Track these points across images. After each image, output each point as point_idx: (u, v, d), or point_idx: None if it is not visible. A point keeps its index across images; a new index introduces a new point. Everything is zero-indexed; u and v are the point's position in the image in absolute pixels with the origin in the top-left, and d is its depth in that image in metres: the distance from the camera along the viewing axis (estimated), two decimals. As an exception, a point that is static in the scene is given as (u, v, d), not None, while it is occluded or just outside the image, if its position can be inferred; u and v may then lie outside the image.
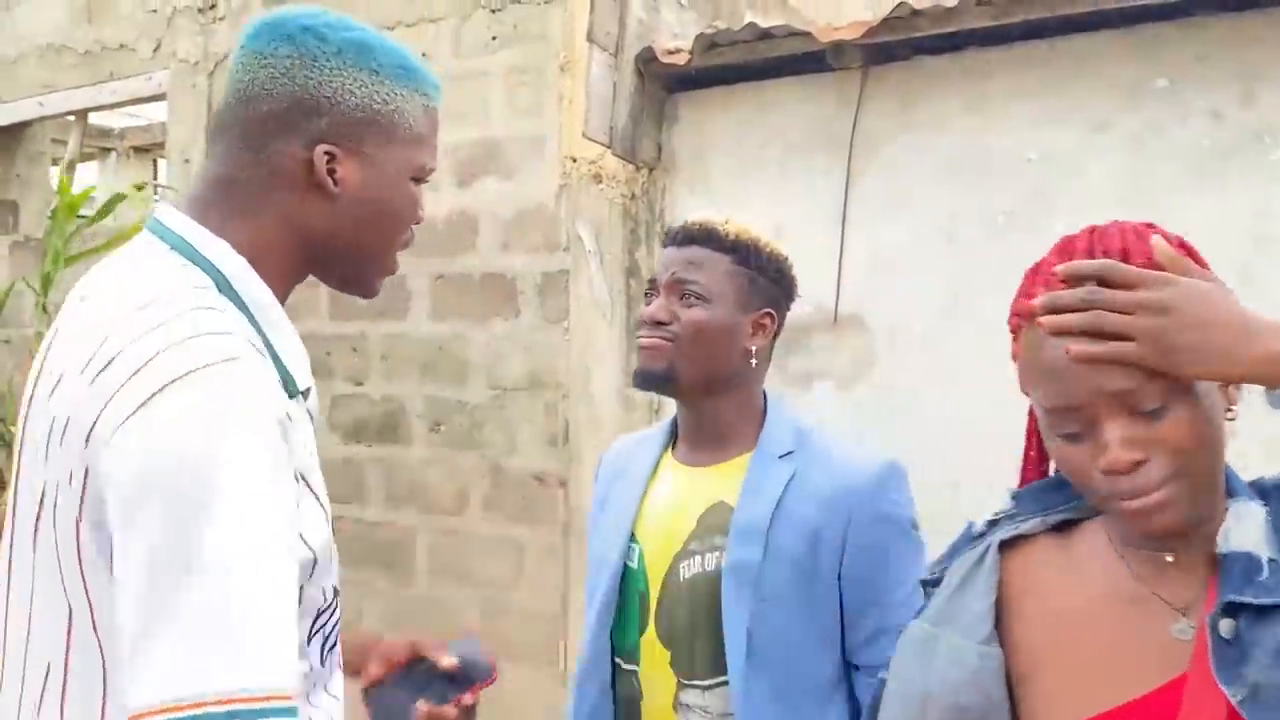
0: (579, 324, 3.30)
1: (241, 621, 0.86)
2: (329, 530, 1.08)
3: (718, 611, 1.45)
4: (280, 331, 1.06)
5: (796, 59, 2.97)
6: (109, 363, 0.94)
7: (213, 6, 4.16)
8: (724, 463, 1.54)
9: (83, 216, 4.42)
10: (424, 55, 3.64)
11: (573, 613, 3.32)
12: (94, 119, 6.61)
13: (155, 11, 4.32)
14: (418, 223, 1.16)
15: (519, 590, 3.44)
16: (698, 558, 1.50)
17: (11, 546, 1.01)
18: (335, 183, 1.06)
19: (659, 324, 1.51)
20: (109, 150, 9.02)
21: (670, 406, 1.66)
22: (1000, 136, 2.75)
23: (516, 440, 3.45)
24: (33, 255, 4.64)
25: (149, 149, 9.34)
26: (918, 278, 2.85)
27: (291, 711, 0.86)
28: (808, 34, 2.86)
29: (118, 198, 4.32)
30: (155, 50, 4.32)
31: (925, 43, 2.79)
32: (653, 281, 1.56)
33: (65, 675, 0.95)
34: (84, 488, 0.93)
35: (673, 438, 1.63)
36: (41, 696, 0.96)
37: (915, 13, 2.72)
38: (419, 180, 1.13)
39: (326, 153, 1.06)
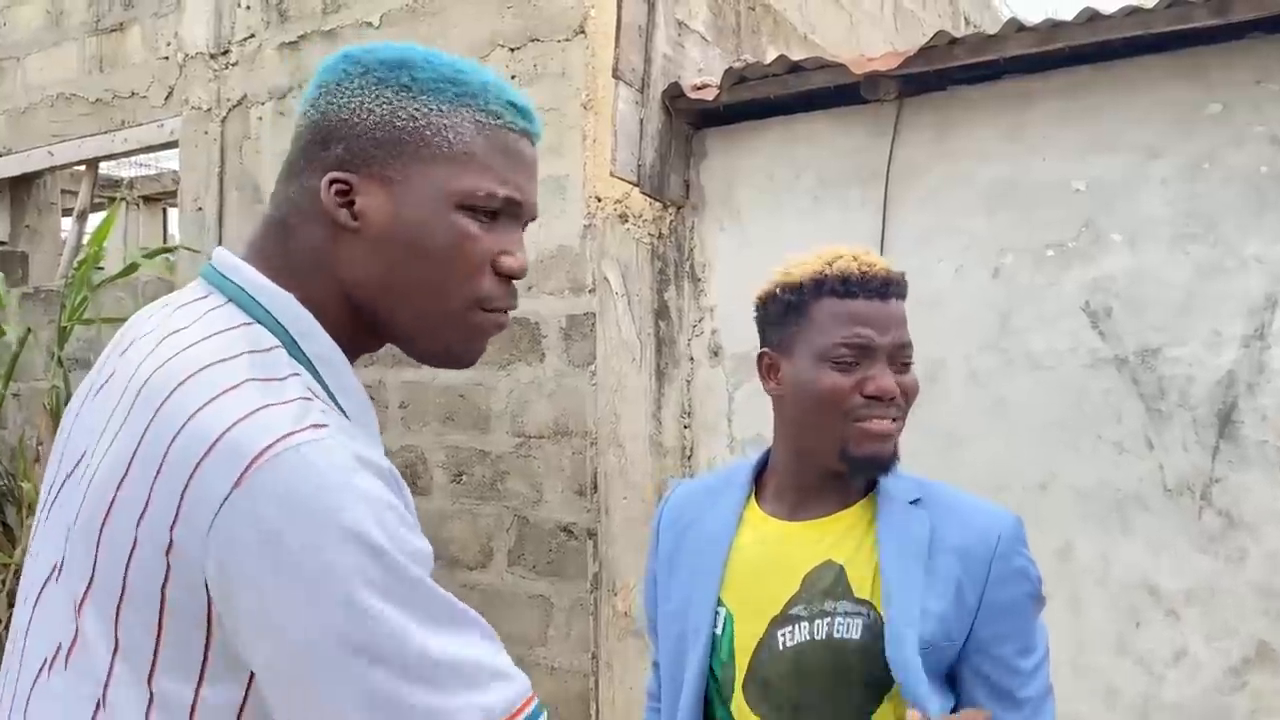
0: (607, 368, 3.18)
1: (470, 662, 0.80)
2: None
3: (834, 686, 1.30)
4: (351, 397, 0.91)
5: (828, 92, 2.88)
6: (175, 434, 0.81)
7: (225, 52, 4.10)
8: (828, 517, 1.37)
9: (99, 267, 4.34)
10: (441, 96, 3.56)
11: (604, 670, 3.17)
12: (103, 169, 6.57)
13: (167, 59, 4.26)
14: (504, 272, 0.94)
15: (547, 647, 3.30)
16: (804, 624, 1.33)
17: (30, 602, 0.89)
18: (354, 215, 0.90)
19: (893, 400, 1.31)
20: (119, 200, 8.99)
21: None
22: (1045, 166, 2.65)
23: (543, 490, 3.32)
24: (42, 306, 4.55)
25: (159, 198, 9.32)
26: (961, 314, 2.73)
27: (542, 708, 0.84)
28: (841, 66, 2.77)
29: (136, 263, 4.21)
30: (167, 97, 4.25)
31: (961, 73, 2.70)
32: (860, 347, 1.31)
33: None
34: (168, 567, 0.80)
35: (754, 486, 1.45)
36: None
37: (953, 42, 2.62)
38: (474, 209, 0.92)
39: (335, 180, 0.90)
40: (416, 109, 0.91)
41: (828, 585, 1.34)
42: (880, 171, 2.84)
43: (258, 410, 0.79)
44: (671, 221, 3.12)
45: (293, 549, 0.76)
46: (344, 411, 0.88)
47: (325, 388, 0.88)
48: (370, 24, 3.75)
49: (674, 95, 2.97)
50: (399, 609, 0.77)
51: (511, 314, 1.04)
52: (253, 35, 4.02)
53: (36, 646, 0.86)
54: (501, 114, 0.94)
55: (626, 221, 3.17)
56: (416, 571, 0.79)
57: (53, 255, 5.02)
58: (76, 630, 0.83)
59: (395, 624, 0.77)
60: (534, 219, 0.99)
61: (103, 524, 0.82)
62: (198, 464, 0.78)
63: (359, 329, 0.93)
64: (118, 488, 0.82)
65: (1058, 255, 2.63)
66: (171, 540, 0.78)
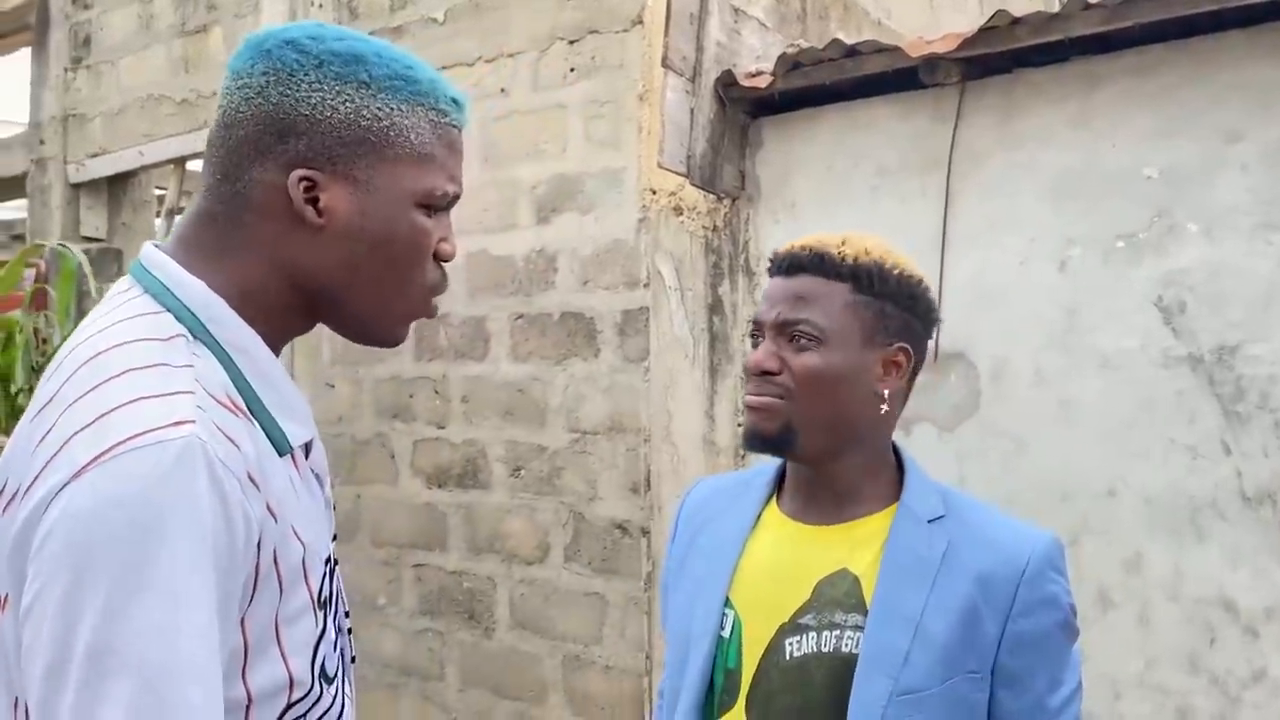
0: (660, 364, 3.13)
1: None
2: (314, 615, 0.93)
3: (836, 701, 1.22)
4: (268, 382, 0.92)
5: (887, 77, 2.76)
6: (45, 435, 0.83)
7: (300, 51, 4.17)
8: (848, 523, 1.30)
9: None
10: (502, 91, 3.55)
11: (657, 670, 3.12)
12: (195, 166, 6.80)
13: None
14: (444, 258, 1.00)
15: (602, 645, 3.27)
16: (812, 635, 1.26)
17: None
18: (319, 212, 0.92)
19: (766, 374, 1.27)
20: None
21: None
22: (1114, 151, 2.49)
23: (598, 487, 3.29)
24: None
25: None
26: (1026, 308, 2.59)
27: None
28: (898, 49, 2.65)
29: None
30: (247, 97, 4.35)
31: (1027, 54, 2.55)
32: (757, 323, 1.31)
33: None
34: (5, 578, 0.83)
35: (777, 486, 1.40)
36: None
37: (1015, 21, 2.48)
38: (429, 206, 0.97)
39: (304, 178, 0.91)
40: (379, 108, 0.93)
41: (839, 595, 1.27)
42: (941, 160, 2.72)
43: (127, 404, 0.80)
44: (726, 214, 3.04)
45: (96, 554, 0.75)
46: (255, 393, 0.90)
47: (237, 371, 0.90)
48: (435, 19, 3.76)
49: (727, 84, 2.89)
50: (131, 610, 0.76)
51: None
52: (325, 33, 4.08)
53: None
54: (448, 111, 0.98)
55: (680, 214, 3.10)
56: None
57: (146, 251, 5.20)
58: None
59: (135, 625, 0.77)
60: None
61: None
62: (56, 452, 0.78)
63: (295, 314, 0.96)
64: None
65: (1128, 247, 2.46)
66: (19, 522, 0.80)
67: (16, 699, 0.82)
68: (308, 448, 0.99)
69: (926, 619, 1.20)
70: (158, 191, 5.61)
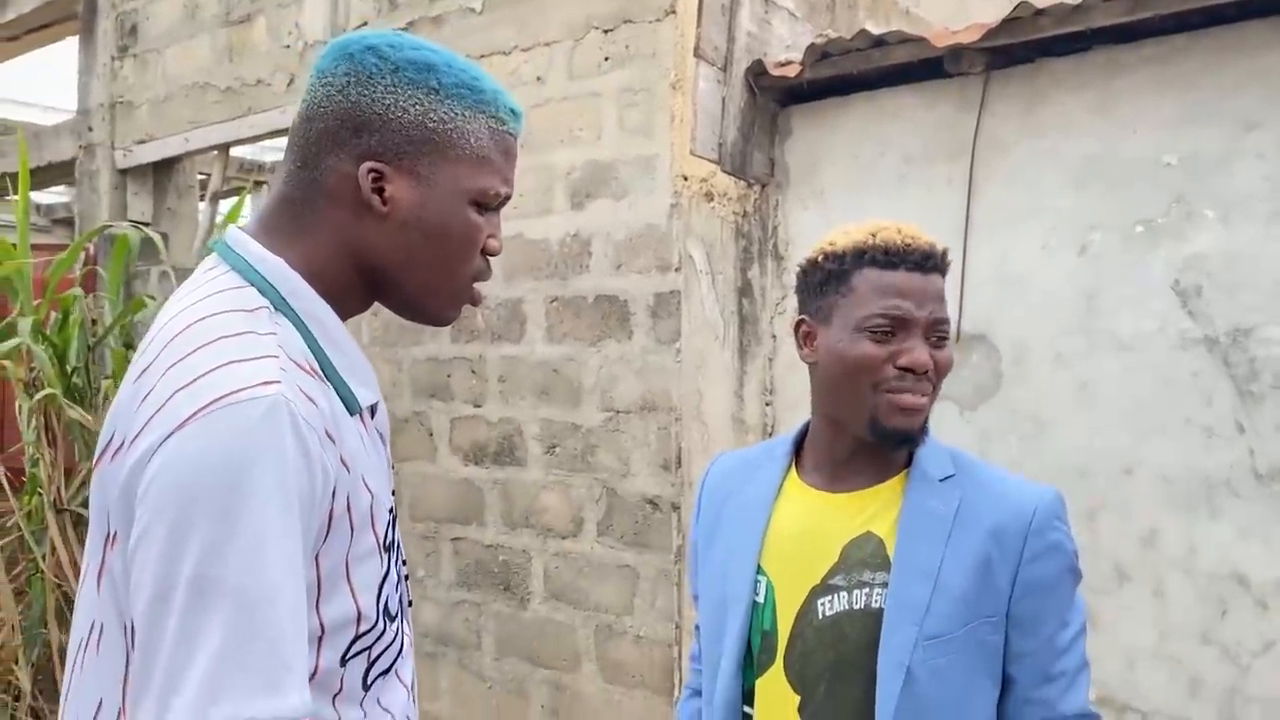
0: (691, 345, 3.23)
1: (260, 648, 0.85)
2: (380, 556, 1.04)
3: (869, 653, 1.32)
4: (341, 349, 1.04)
5: (913, 67, 2.84)
6: (147, 395, 0.94)
7: (341, 40, 4.28)
8: (869, 489, 1.40)
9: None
10: (539, 79, 3.65)
11: (686, 640, 3.24)
12: (248, 153, 6.94)
13: (288, 47, 4.48)
14: (491, 253, 1.10)
15: (633, 616, 3.39)
16: (843, 594, 1.36)
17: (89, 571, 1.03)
18: (384, 201, 1.03)
19: (924, 375, 1.33)
20: (261, 184, 9.47)
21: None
22: (1135, 139, 2.56)
23: (630, 463, 3.40)
24: (175, 284, 4.87)
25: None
26: (1047, 292, 2.67)
27: None
28: (923, 40, 2.73)
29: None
30: (289, 84, 4.47)
31: (1050, 43, 2.62)
32: (896, 319, 1.33)
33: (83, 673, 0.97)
34: (115, 512, 0.94)
35: (794, 457, 1.49)
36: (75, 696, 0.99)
37: (1038, 12, 2.55)
38: (482, 205, 1.08)
39: (372, 170, 1.02)
40: (445, 113, 1.04)
41: (866, 556, 1.37)
42: (965, 148, 2.79)
43: (220, 366, 0.91)
44: (756, 200, 3.13)
45: (197, 496, 0.86)
46: (328, 359, 1.01)
47: (313, 339, 1.01)
48: (473, 9, 3.87)
49: (757, 73, 2.98)
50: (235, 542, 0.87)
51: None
52: (365, 23, 4.19)
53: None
54: (505, 120, 1.09)
55: (711, 200, 3.20)
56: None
57: (190, 236, 5.35)
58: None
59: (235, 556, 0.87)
60: None
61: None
62: (159, 409, 0.90)
63: (357, 291, 1.07)
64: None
65: (1147, 233, 2.54)
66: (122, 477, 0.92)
67: (125, 625, 0.94)
68: (374, 410, 1.10)
69: (945, 570, 1.31)
70: (201, 177, 5.76)
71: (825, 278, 1.40)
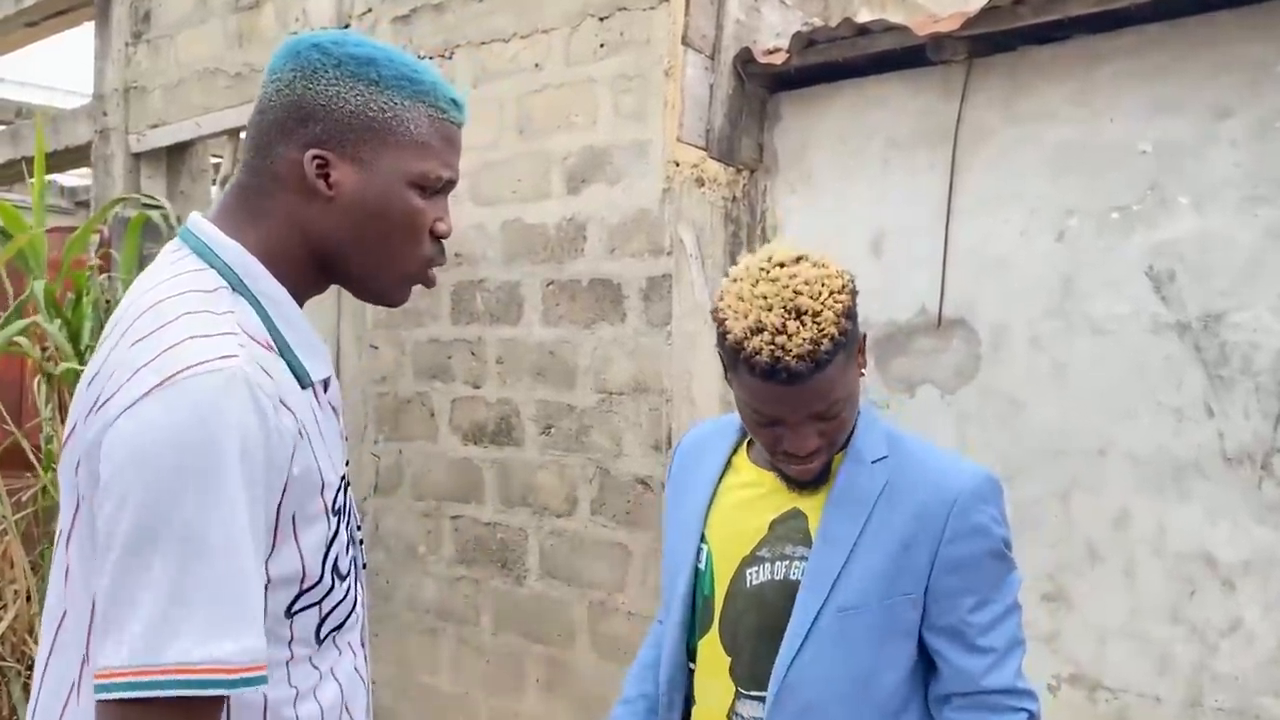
0: (681, 328, 3.29)
1: (219, 594, 0.93)
2: (327, 520, 1.11)
3: (786, 619, 1.42)
4: (294, 327, 1.12)
5: (900, 54, 2.88)
6: (112, 372, 1.01)
7: (346, 26, 4.35)
8: None
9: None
10: (536, 66, 3.72)
11: (676, 617, 3.32)
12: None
13: (296, 34, 4.55)
14: (440, 235, 1.17)
15: (625, 592, 3.47)
16: (767, 565, 1.46)
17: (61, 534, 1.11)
18: (329, 186, 1.11)
19: (813, 454, 1.39)
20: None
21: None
22: (1112, 127, 2.60)
23: (622, 444, 3.47)
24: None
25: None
26: (1025, 277, 2.72)
27: (261, 679, 0.95)
28: (905, 28, 2.77)
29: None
30: (297, 70, 4.55)
31: (1031, 32, 2.66)
32: (763, 415, 1.36)
33: (56, 633, 1.05)
34: (82, 479, 1.02)
35: (744, 435, 1.57)
36: (49, 651, 1.07)
37: (1018, 1, 2.59)
38: (424, 188, 1.14)
39: (317, 157, 1.10)
40: (385, 102, 1.11)
41: (789, 531, 1.46)
42: (948, 134, 2.84)
43: (183, 341, 0.99)
44: (745, 185, 3.19)
45: (162, 455, 0.94)
46: (283, 336, 1.09)
47: (268, 317, 1.09)
48: (474, -3, 3.92)
49: (745, 60, 3.03)
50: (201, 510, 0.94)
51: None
52: (370, 10, 4.26)
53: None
54: (446, 109, 1.16)
55: (702, 186, 3.25)
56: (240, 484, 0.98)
57: (203, 218, 5.44)
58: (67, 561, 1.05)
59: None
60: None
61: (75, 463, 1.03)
62: (128, 379, 0.98)
63: (311, 272, 1.15)
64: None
65: (1122, 218, 2.58)
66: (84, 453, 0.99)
67: (91, 588, 1.02)
68: (326, 384, 1.18)
69: (862, 546, 1.39)
70: (213, 160, 5.86)
71: (722, 347, 1.39)
